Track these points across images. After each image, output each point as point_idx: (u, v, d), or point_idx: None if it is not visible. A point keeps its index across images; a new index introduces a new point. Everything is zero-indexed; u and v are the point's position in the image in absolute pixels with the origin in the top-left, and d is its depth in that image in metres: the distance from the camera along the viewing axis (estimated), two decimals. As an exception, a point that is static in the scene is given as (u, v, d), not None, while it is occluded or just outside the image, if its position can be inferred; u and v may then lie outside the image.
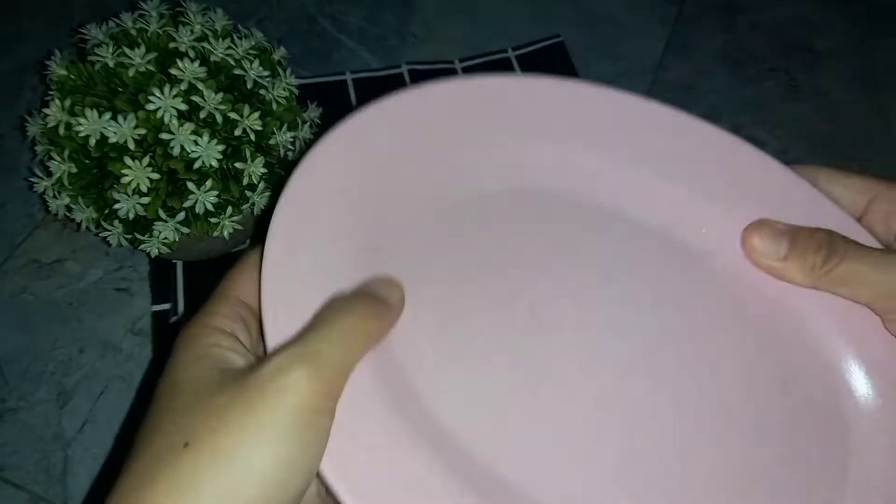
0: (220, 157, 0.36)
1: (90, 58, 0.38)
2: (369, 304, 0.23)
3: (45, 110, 0.37)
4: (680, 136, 0.31)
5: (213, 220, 0.38)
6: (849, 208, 0.27)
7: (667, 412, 0.26)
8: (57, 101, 0.37)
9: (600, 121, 0.31)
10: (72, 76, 0.38)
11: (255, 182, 0.38)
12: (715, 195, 0.30)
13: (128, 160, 0.35)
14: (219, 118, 0.36)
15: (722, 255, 0.29)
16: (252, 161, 0.37)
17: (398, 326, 0.25)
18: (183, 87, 0.36)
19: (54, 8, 0.62)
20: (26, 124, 0.39)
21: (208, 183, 0.36)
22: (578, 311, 0.28)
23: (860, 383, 0.27)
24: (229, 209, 0.38)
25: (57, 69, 0.38)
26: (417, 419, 0.24)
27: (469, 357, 0.26)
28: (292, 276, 0.24)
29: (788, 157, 0.55)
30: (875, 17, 0.64)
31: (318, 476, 0.21)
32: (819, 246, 0.25)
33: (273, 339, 0.22)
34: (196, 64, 0.37)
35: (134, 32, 0.40)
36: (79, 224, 0.38)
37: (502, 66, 0.57)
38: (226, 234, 0.39)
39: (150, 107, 0.35)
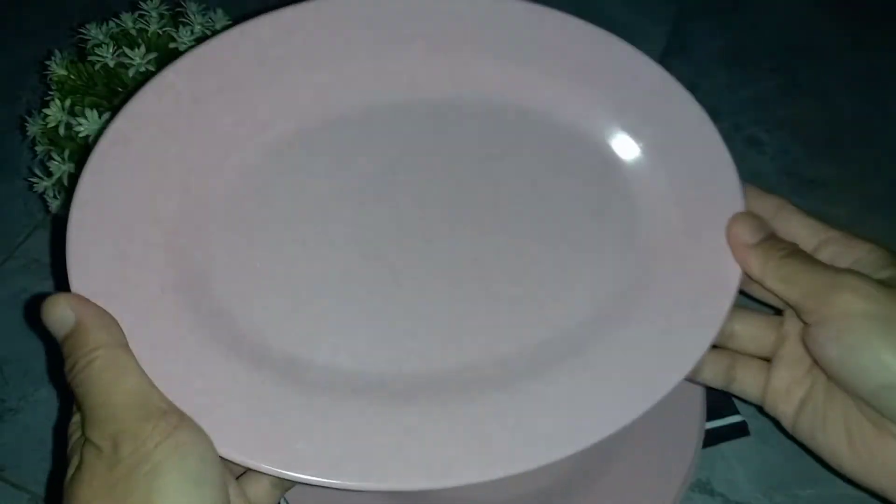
0: (221, 157, 0.36)
1: (90, 58, 0.38)
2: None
3: (45, 110, 0.37)
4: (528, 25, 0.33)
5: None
6: (801, 244, 0.28)
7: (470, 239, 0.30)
8: (57, 101, 0.37)
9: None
10: (72, 76, 0.38)
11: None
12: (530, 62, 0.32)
13: (128, 160, 0.35)
14: (219, 118, 0.36)
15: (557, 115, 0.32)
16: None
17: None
18: (183, 87, 0.36)
19: (54, 8, 0.62)
20: (26, 124, 0.39)
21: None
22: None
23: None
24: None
25: (57, 69, 0.38)
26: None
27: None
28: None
29: (788, 157, 0.55)
30: (876, 17, 0.64)
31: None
32: (784, 251, 0.28)
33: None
34: (196, 64, 0.37)
35: (134, 32, 0.40)
36: (79, 224, 0.38)
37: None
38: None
39: (151, 107, 0.35)
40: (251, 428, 0.24)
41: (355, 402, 0.26)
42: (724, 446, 0.41)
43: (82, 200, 0.26)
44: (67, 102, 0.37)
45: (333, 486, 0.24)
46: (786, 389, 0.30)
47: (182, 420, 0.23)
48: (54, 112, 0.37)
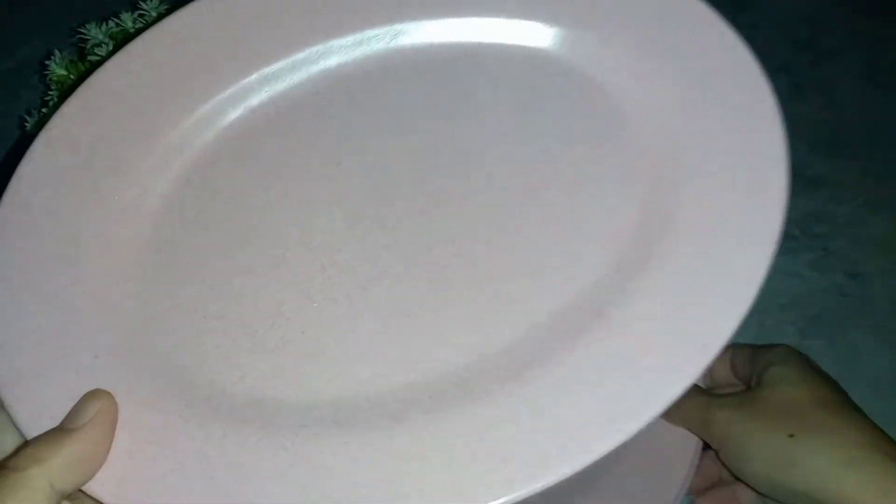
0: (220, 157, 0.36)
1: (90, 57, 0.38)
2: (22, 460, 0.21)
3: (45, 110, 0.37)
4: None
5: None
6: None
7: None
8: (56, 101, 0.37)
9: None
10: (71, 76, 0.38)
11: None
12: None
13: (127, 160, 0.35)
14: (218, 118, 0.36)
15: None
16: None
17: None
18: (182, 87, 0.36)
19: (54, 7, 0.62)
20: (25, 124, 0.39)
21: (208, 183, 0.36)
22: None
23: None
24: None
25: (56, 69, 0.38)
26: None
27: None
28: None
29: (793, 156, 0.54)
30: (880, 15, 0.64)
31: None
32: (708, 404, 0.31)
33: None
34: (195, 64, 0.37)
35: (133, 32, 0.40)
36: (79, 224, 0.38)
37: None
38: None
39: (150, 107, 0.35)
40: (216, 490, 0.21)
41: (338, 436, 0.21)
42: (726, 447, 0.41)
43: None
44: (67, 102, 0.37)
45: None
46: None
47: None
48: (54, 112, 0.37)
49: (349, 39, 0.28)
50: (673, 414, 0.29)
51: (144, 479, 0.21)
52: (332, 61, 0.28)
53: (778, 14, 0.63)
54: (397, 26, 0.28)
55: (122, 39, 0.38)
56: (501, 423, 0.21)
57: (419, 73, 0.28)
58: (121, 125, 0.27)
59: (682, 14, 0.27)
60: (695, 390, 0.30)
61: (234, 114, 0.28)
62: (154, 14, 0.39)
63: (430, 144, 0.27)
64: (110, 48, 0.37)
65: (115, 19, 0.40)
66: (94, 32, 0.39)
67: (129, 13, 0.40)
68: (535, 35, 0.28)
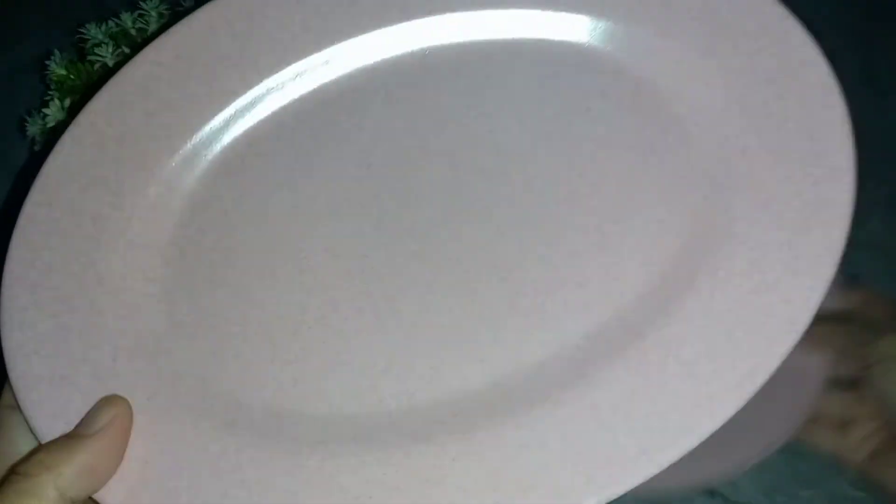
0: (220, 157, 0.36)
1: (90, 57, 0.38)
2: (34, 465, 0.21)
3: (45, 110, 0.37)
4: None
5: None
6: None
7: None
8: (56, 101, 0.37)
9: None
10: (71, 76, 0.38)
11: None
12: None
13: (127, 160, 0.35)
14: (218, 118, 0.36)
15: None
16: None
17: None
18: (182, 86, 0.36)
19: (53, 7, 0.62)
20: (25, 124, 0.39)
21: (208, 183, 0.36)
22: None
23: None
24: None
25: (56, 69, 0.38)
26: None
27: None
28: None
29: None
30: (878, 18, 0.64)
31: None
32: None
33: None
34: (196, 64, 0.37)
35: (133, 32, 0.40)
36: (78, 224, 0.38)
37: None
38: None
39: (150, 107, 0.35)
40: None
41: (356, 455, 0.20)
42: (725, 447, 0.41)
43: (12, 274, 0.23)
44: (67, 102, 0.37)
45: None
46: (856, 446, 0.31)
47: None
48: (54, 112, 0.37)
49: (384, 34, 0.26)
50: (817, 338, 0.22)
51: (156, 490, 0.20)
52: (369, 58, 0.27)
53: (776, 16, 0.63)
54: (434, 19, 0.26)
55: (145, 39, 0.38)
56: (528, 448, 0.19)
57: (456, 70, 0.26)
58: (147, 122, 0.26)
59: (746, 7, 0.24)
60: (837, 315, 0.27)
61: (265, 111, 0.27)
62: (154, 14, 0.40)
63: (466, 147, 0.25)
64: (110, 48, 0.38)
65: (115, 19, 0.40)
66: (94, 32, 0.39)
67: (129, 13, 0.40)
68: (581, 30, 0.25)
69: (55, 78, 0.38)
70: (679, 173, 0.23)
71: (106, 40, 0.38)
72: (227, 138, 0.26)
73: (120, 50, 0.37)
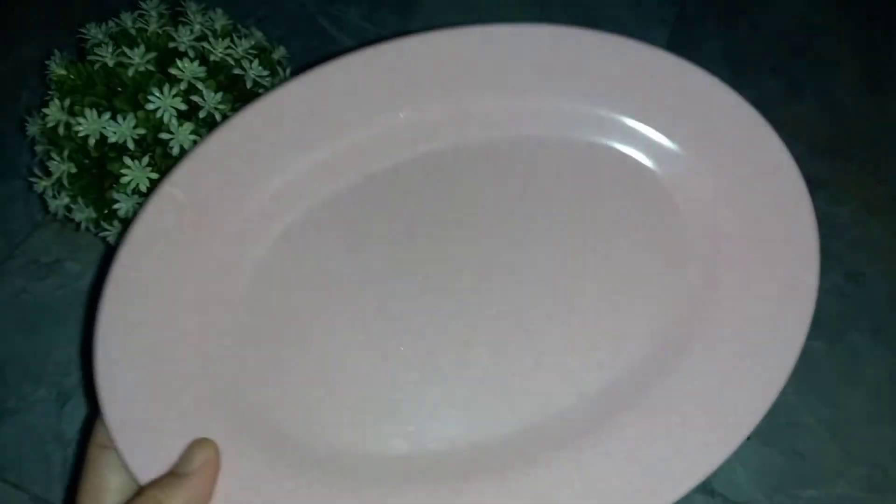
0: (220, 157, 0.36)
1: (89, 57, 0.38)
2: (155, 493, 0.24)
3: (45, 110, 0.37)
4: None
5: (212, 220, 0.38)
6: None
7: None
8: (56, 101, 0.37)
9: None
10: (71, 76, 0.38)
11: (255, 182, 0.38)
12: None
13: (127, 160, 0.35)
14: (218, 118, 0.36)
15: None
16: (252, 161, 0.37)
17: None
18: (182, 86, 0.36)
19: (54, 8, 0.62)
20: (26, 124, 0.39)
21: (208, 183, 0.36)
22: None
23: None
24: (229, 209, 0.38)
25: (56, 69, 0.38)
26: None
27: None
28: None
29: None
30: (878, 18, 0.64)
31: None
32: None
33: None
34: (196, 64, 0.37)
35: (133, 32, 0.40)
36: (78, 224, 0.38)
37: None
38: (225, 234, 0.38)
39: (150, 106, 0.35)
40: None
41: (410, 493, 0.24)
42: (725, 447, 0.41)
43: (105, 331, 0.26)
44: (67, 102, 0.37)
45: None
46: None
47: None
48: (54, 112, 0.37)
49: (433, 126, 0.30)
50: None
51: None
52: (421, 148, 0.30)
53: (776, 18, 0.63)
54: (464, 111, 0.30)
55: (146, 41, 0.38)
56: (556, 488, 0.24)
57: (490, 158, 0.30)
58: (222, 193, 0.29)
59: (734, 119, 0.29)
60: None
61: (326, 187, 0.30)
62: (154, 14, 0.40)
63: (498, 224, 0.29)
64: (110, 48, 0.37)
65: (115, 19, 0.40)
66: (94, 32, 0.39)
67: (129, 13, 0.40)
68: (602, 132, 0.30)
69: (55, 78, 0.38)
70: (676, 253, 0.28)
71: (106, 40, 0.38)
72: (292, 210, 0.30)
73: (120, 50, 0.37)
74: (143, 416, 0.25)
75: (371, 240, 0.29)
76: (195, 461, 0.25)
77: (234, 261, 0.28)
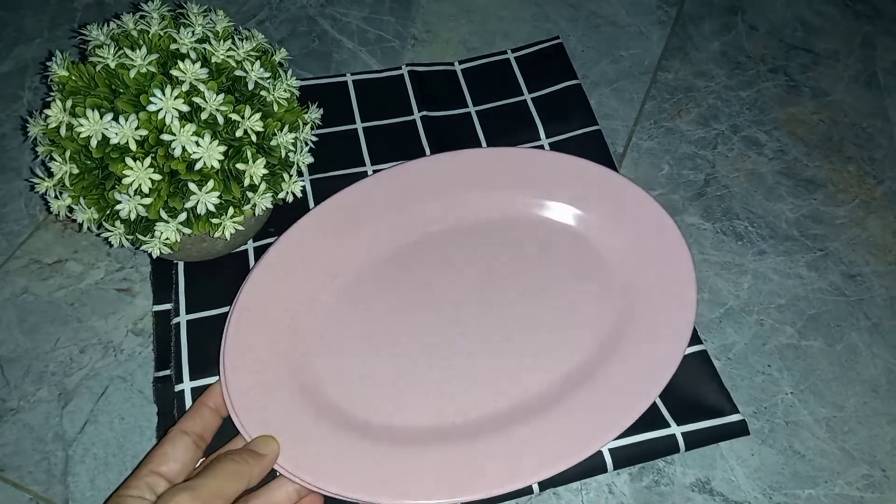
0: (222, 158, 0.36)
1: (91, 59, 0.38)
2: (244, 456, 0.34)
3: (47, 111, 0.37)
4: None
5: (214, 220, 0.38)
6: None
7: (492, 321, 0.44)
8: (58, 102, 0.37)
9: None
10: (73, 77, 0.38)
11: (257, 183, 0.38)
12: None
13: (129, 161, 0.35)
14: (220, 119, 0.37)
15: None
16: (253, 162, 0.38)
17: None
18: (184, 88, 0.36)
19: (55, 9, 0.62)
20: (27, 125, 0.39)
21: (210, 184, 0.37)
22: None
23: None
24: (230, 210, 0.38)
25: (58, 70, 0.39)
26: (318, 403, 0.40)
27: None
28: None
29: (787, 157, 0.55)
30: (875, 18, 0.64)
31: None
32: None
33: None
34: (197, 65, 0.37)
35: (135, 34, 0.40)
36: (80, 224, 0.38)
37: (502, 68, 0.57)
38: (227, 234, 0.39)
39: (152, 108, 0.35)
40: (371, 478, 0.37)
41: (440, 446, 0.38)
42: (724, 446, 0.41)
43: (231, 349, 0.40)
44: (68, 103, 0.37)
45: None
46: None
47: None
48: (55, 113, 0.37)
49: (441, 213, 0.48)
50: None
51: (329, 466, 0.37)
52: (432, 228, 0.48)
53: (774, 18, 0.63)
54: (466, 206, 0.48)
55: (146, 42, 0.38)
56: (536, 437, 0.38)
57: (477, 233, 0.47)
58: (306, 264, 0.44)
59: (636, 200, 0.46)
60: None
61: (371, 255, 0.46)
62: (155, 16, 0.40)
63: (486, 274, 0.45)
64: (112, 50, 0.38)
65: (117, 20, 0.40)
66: (96, 33, 0.39)
67: (131, 14, 0.40)
68: (556, 212, 0.48)
69: (57, 79, 0.38)
70: (605, 289, 0.44)
71: (107, 42, 0.39)
72: (354, 271, 0.46)
73: (122, 51, 0.37)
74: (257, 406, 0.38)
75: (404, 288, 0.45)
76: (269, 448, 0.36)
77: (318, 301, 0.44)
